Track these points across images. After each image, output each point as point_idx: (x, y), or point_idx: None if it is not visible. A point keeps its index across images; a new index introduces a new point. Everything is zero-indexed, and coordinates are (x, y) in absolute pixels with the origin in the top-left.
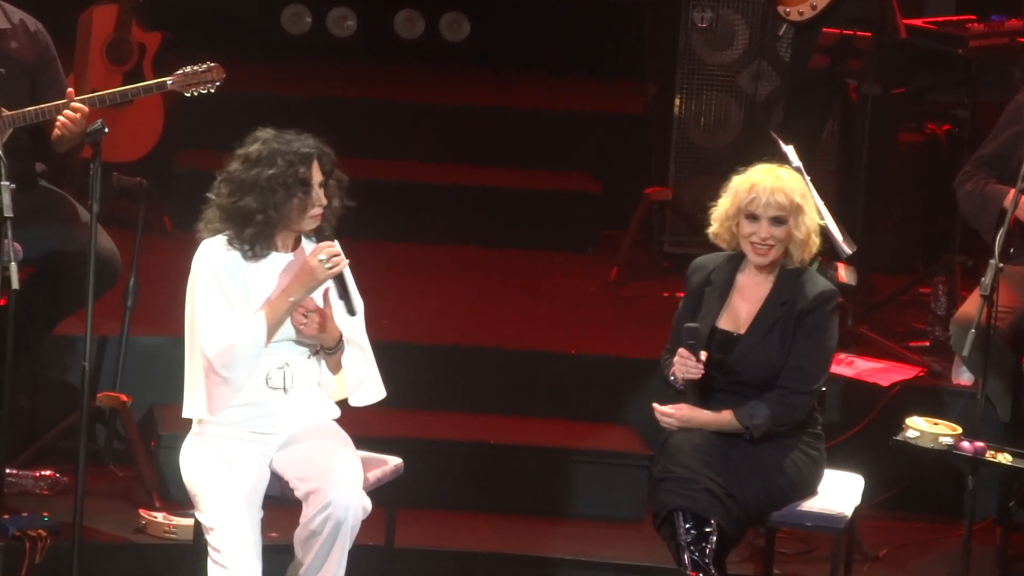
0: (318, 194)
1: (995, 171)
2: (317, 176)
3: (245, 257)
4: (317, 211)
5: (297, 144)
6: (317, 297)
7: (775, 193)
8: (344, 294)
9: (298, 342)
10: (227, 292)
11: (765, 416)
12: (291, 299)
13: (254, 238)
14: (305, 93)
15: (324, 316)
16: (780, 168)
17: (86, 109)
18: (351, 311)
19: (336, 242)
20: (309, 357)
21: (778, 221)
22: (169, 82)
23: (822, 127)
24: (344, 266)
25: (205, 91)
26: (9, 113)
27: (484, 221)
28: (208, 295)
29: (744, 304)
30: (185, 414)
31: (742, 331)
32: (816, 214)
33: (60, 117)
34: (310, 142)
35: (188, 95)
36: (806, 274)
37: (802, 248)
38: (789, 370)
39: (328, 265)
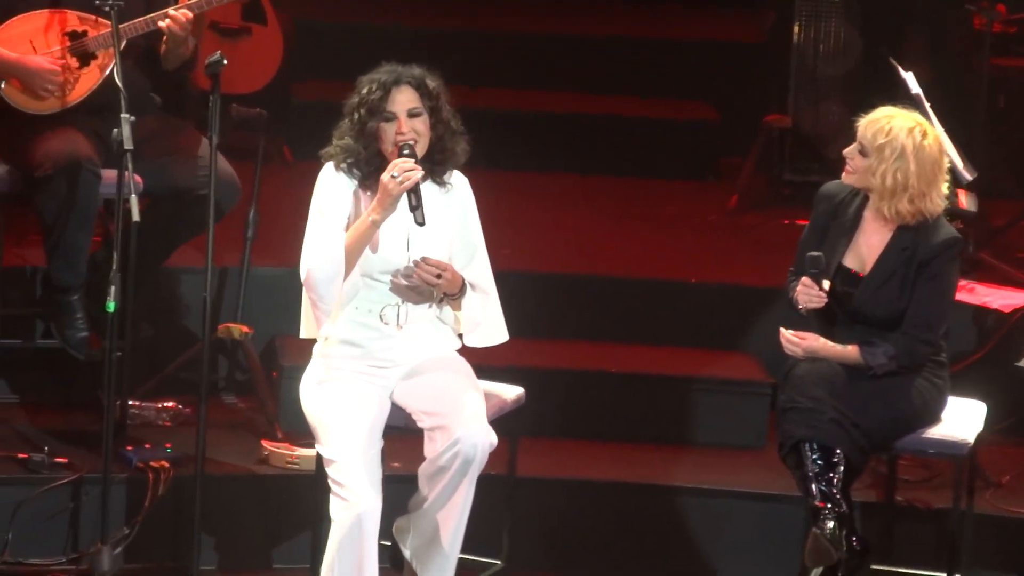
0: (403, 121)
1: None
2: (404, 104)
3: (361, 186)
4: (400, 138)
5: (386, 71)
6: (436, 251)
7: (871, 126)
8: (416, 206)
9: (412, 288)
10: (333, 216)
11: (889, 357)
12: (371, 219)
13: (364, 168)
14: (426, 24)
15: (448, 269)
16: (911, 117)
17: (190, 14)
18: (419, 222)
19: (413, 159)
20: (430, 307)
21: (862, 151)
22: None
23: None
24: (415, 179)
25: None
26: (123, 25)
27: (604, 150)
28: (313, 219)
29: (868, 244)
30: (300, 335)
31: (866, 270)
32: (924, 177)
33: (166, 19)
34: (399, 70)
35: None
36: (929, 220)
37: (887, 198)
38: (913, 317)
39: (400, 180)
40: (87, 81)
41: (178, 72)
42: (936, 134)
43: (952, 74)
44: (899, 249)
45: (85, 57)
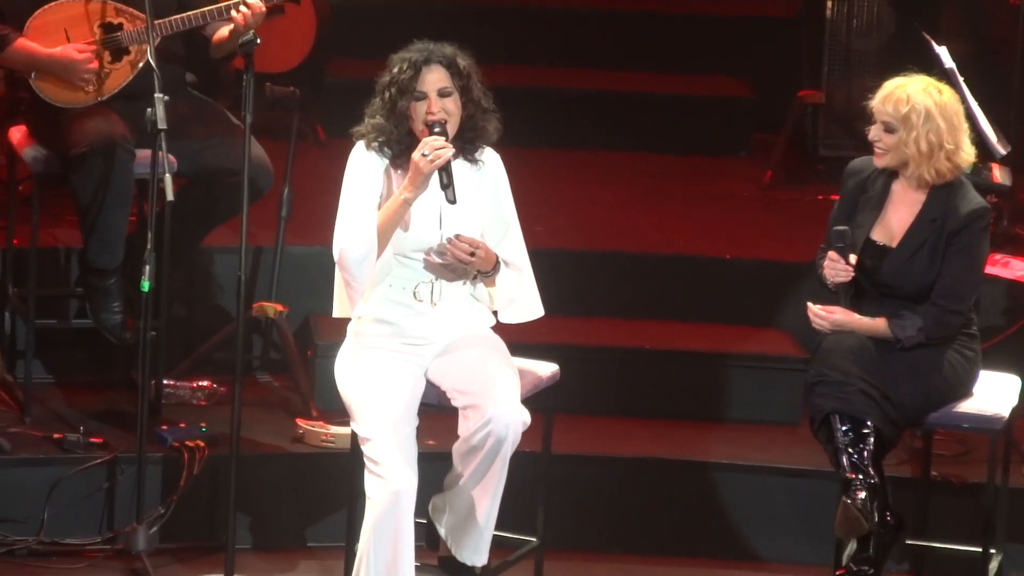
0: (433, 100)
1: None
2: (434, 83)
3: (393, 164)
4: (430, 118)
5: (416, 50)
6: (469, 229)
7: (887, 101)
8: (447, 184)
9: (445, 266)
10: (365, 196)
11: (918, 329)
12: (403, 197)
13: (395, 147)
14: (459, 0)
15: (481, 246)
16: (919, 80)
17: (263, 8)
18: (451, 200)
19: (443, 137)
20: (464, 283)
21: (888, 128)
22: None
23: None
24: (446, 157)
25: None
26: (159, 21)
27: (637, 127)
28: (345, 199)
29: (897, 217)
30: (333, 315)
31: (894, 243)
32: (954, 131)
33: (234, 13)
34: (430, 48)
35: None
36: (958, 189)
37: (925, 163)
38: (942, 288)
39: (430, 158)
40: (118, 76)
41: (222, 59)
42: (948, 85)
43: (987, 48)
44: (929, 220)
45: (118, 52)
